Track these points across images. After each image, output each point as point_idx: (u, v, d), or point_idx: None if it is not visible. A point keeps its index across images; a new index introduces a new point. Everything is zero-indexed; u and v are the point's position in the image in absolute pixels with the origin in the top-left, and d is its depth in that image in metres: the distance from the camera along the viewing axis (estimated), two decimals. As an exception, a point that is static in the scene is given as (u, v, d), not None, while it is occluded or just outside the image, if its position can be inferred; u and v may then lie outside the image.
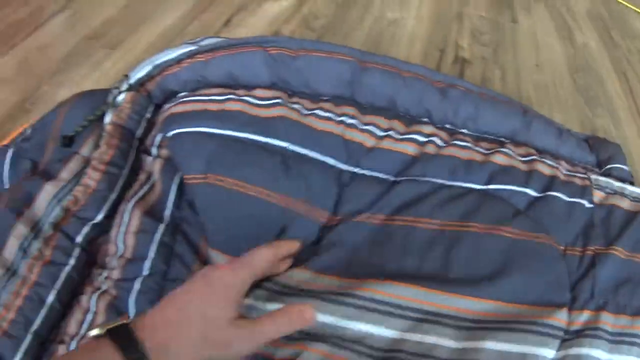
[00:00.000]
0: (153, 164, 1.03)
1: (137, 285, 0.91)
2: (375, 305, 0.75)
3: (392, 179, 0.92)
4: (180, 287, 0.63)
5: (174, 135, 0.98)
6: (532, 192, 0.90)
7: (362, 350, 0.73)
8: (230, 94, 1.01)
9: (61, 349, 0.87)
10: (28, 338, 0.87)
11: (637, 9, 1.98)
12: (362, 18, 1.72)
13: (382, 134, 0.95)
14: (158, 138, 1.06)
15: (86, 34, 1.89)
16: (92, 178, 1.00)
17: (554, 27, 1.83)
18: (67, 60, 1.79)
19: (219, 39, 1.15)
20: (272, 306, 0.78)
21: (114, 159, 1.01)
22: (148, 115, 1.09)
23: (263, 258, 0.70)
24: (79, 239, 0.95)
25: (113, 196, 1.00)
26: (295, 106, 0.97)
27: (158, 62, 1.11)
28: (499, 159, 0.92)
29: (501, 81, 1.52)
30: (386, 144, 0.94)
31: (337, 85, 1.02)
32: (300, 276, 0.81)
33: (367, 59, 1.04)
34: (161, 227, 0.95)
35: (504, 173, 0.91)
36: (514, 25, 1.70)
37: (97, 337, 0.57)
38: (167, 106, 1.08)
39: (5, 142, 1.28)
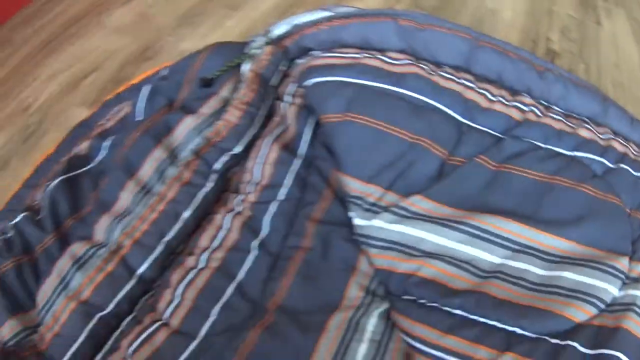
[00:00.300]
0: (287, 110, 1.16)
1: (272, 207, 1.04)
2: (482, 234, 0.90)
3: (500, 135, 1.05)
4: None
5: (313, 83, 1.11)
6: (607, 163, 1.02)
7: (470, 269, 0.88)
8: (365, 53, 1.14)
9: (190, 260, 0.99)
10: (159, 247, 1.00)
11: None
12: (464, 3, 1.84)
13: (493, 98, 1.08)
14: (292, 88, 1.19)
15: None
16: (233, 115, 1.13)
17: (632, 32, 1.91)
18: (188, 16, 1.93)
19: (354, 8, 1.28)
20: (398, 227, 0.93)
21: (253, 101, 1.14)
22: (283, 67, 1.22)
23: None
24: (217, 165, 1.08)
25: (251, 132, 1.13)
26: (423, 66, 1.11)
27: (297, 22, 1.25)
28: (583, 132, 1.05)
29: (585, 74, 1.61)
30: (497, 107, 1.07)
31: (455, 57, 1.14)
32: (423, 204, 0.95)
33: (481, 38, 1.16)
34: (297, 161, 1.09)
35: (587, 144, 1.03)
36: (598, 27, 1.80)
37: None
38: (301, 60, 1.21)
39: (134, 80, 1.44)
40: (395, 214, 0.95)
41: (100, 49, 1.93)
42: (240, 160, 1.12)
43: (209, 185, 1.07)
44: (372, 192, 0.98)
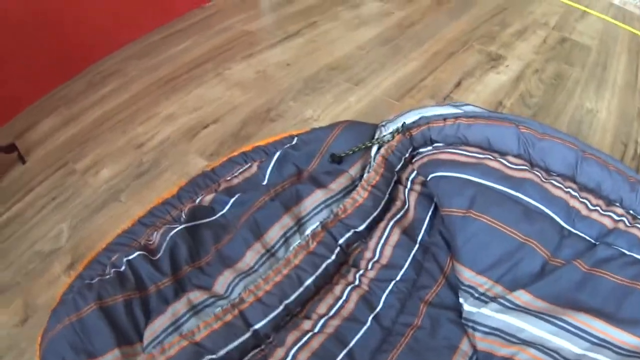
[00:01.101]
0: (409, 195, 1.31)
1: (390, 285, 1.17)
2: (569, 327, 1.02)
3: (593, 241, 1.17)
4: None
5: (438, 176, 1.25)
6: None
7: (556, 357, 0.99)
8: (487, 154, 1.28)
9: (306, 324, 1.11)
10: (279, 308, 1.11)
11: None
12: (566, 103, 1.92)
13: (592, 207, 1.20)
14: (413, 174, 1.34)
15: (327, 62, 2.17)
16: (360, 195, 1.26)
17: None
18: (310, 84, 2.06)
19: (480, 109, 1.42)
20: (502, 317, 1.05)
21: (379, 184, 1.28)
22: (407, 155, 1.36)
23: None
24: (341, 240, 1.21)
25: (375, 213, 1.25)
26: (537, 173, 1.24)
27: (427, 114, 1.40)
28: None
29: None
30: (594, 215, 1.19)
31: (563, 166, 1.27)
32: (524, 297, 1.07)
33: (586, 149, 1.28)
34: (415, 247, 1.23)
35: None
36: None
37: None
38: (425, 151, 1.36)
39: (262, 142, 1.58)
40: (500, 304, 1.07)
41: (221, 100, 2.05)
42: (360, 238, 1.25)
43: (332, 258, 1.19)
44: (482, 283, 1.11)
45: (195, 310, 1.15)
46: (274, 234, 1.27)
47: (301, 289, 1.15)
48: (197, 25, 2.62)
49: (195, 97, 2.07)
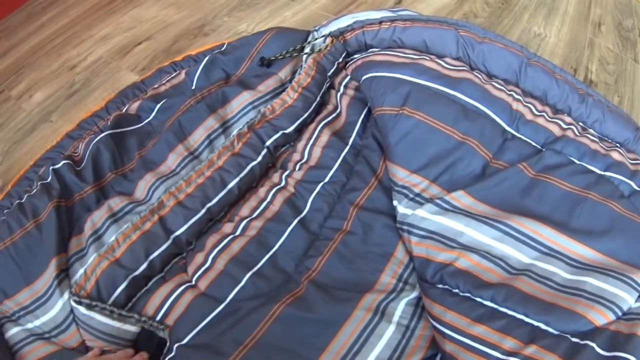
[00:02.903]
0: (341, 99, 1.24)
1: (317, 187, 1.11)
2: (515, 234, 0.96)
3: (539, 147, 1.12)
4: None
5: (371, 77, 1.18)
6: (634, 185, 1.06)
7: (502, 265, 0.92)
8: (424, 55, 1.22)
9: (227, 227, 1.06)
10: (201, 212, 1.05)
11: None
12: (512, 25, 1.87)
13: (537, 112, 1.15)
14: (347, 79, 1.27)
15: None
16: (290, 96, 1.19)
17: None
18: (246, 0, 2.00)
19: (416, 13, 1.36)
20: (439, 218, 0.99)
21: (310, 86, 1.21)
22: (340, 59, 1.29)
23: (119, 355, 0.90)
24: (268, 142, 1.14)
25: (305, 115, 1.19)
26: (477, 75, 1.18)
27: (361, 18, 1.32)
28: (615, 155, 1.09)
29: (619, 106, 1.65)
30: (540, 121, 1.13)
31: (507, 71, 1.22)
32: (464, 199, 1.02)
33: (533, 57, 1.24)
34: (346, 148, 1.17)
35: (617, 166, 1.08)
36: (635, 64, 1.83)
37: None
38: (358, 56, 1.29)
39: (192, 52, 1.50)
40: (438, 206, 1.01)
41: (155, 19, 1.99)
42: (289, 140, 1.19)
43: (257, 159, 1.13)
44: (418, 182, 1.05)
45: (114, 218, 1.08)
46: (197, 136, 1.21)
47: (224, 192, 1.08)
48: None
49: (130, 18, 2.01)
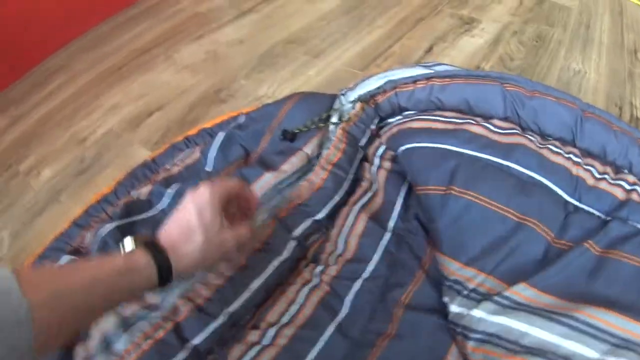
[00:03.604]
0: (377, 174, 1.08)
1: (357, 285, 0.94)
2: (583, 327, 0.80)
3: (604, 217, 0.96)
4: (177, 209, 0.81)
5: (410, 148, 1.03)
6: None
7: None
8: (468, 118, 1.06)
9: (253, 335, 0.89)
10: (221, 318, 0.89)
11: None
12: (550, 65, 1.76)
13: (599, 176, 1.00)
14: (381, 149, 1.11)
15: (284, 37, 1.99)
16: (318, 176, 1.04)
17: None
18: (265, 60, 1.88)
19: (455, 67, 1.19)
20: (500, 319, 0.83)
21: (341, 162, 1.06)
22: (373, 126, 1.14)
23: (231, 184, 0.86)
24: (297, 232, 0.98)
25: (337, 197, 1.03)
26: (531, 137, 1.03)
27: (393, 78, 1.17)
28: None
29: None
30: (602, 185, 0.98)
31: (561, 128, 1.06)
32: (526, 293, 0.85)
33: (587, 109, 1.07)
34: (387, 235, 1.00)
35: None
36: None
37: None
38: (394, 121, 1.13)
39: (206, 124, 1.36)
40: (497, 303, 0.85)
41: (169, 85, 1.88)
42: (321, 228, 1.02)
43: (285, 254, 0.96)
44: (472, 276, 0.89)
45: (126, 325, 0.93)
46: None
47: (247, 294, 0.92)
48: (148, 11, 2.46)
49: (141, 85, 1.90)
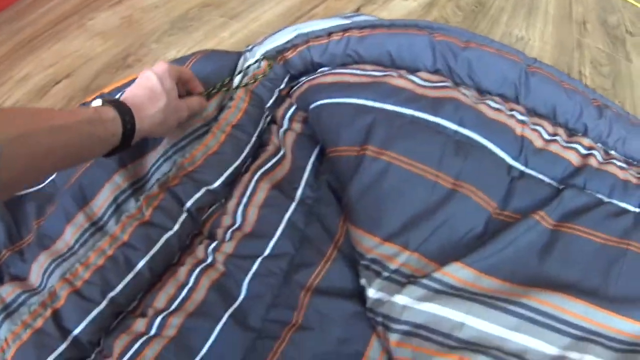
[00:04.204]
0: (284, 137, 0.95)
1: (255, 266, 0.81)
2: (537, 317, 0.70)
3: (556, 184, 0.86)
4: (138, 77, 0.86)
5: (319, 105, 0.91)
6: None
7: None
8: (390, 71, 0.94)
9: (139, 324, 0.76)
10: (102, 304, 0.77)
11: None
12: (490, 31, 1.74)
13: (548, 137, 0.89)
14: (291, 110, 0.99)
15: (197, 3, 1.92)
16: (215, 139, 0.91)
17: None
18: (178, 22, 1.80)
19: (376, 18, 1.07)
20: (429, 306, 0.71)
21: (243, 123, 0.93)
22: (282, 85, 1.02)
23: (182, 68, 0.95)
24: (188, 203, 0.85)
25: (236, 163, 0.90)
26: (465, 92, 0.91)
27: (305, 31, 1.05)
28: None
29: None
30: (553, 148, 0.88)
31: (502, 84, 0.96)
32: (463, 274, 0.74)
33: (532, 63, 0.98)
34: (292, 206, 0.87)
35: None
36: (629, 64, 1.74)
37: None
38: (305, 79, 1.00)
39: (105, 90, 1.23)
40: (425, 287, 0.73)
41: (78, 53, 1.78)
42: (217, 198, 0.89)
43: (175, 228, 0.83)
44: (394, 254, 0.77)
45: (7, 311, 0.82)
46: (101, 200, 0.91)
47: (130, 276, 0.79)
48: None
49: (52, 54, 1.80)
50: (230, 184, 0.89)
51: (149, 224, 0.82)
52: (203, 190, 0.86)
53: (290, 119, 0.98)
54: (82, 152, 0.73)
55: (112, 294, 0.77)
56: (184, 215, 0.84)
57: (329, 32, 1.02)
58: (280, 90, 1.01)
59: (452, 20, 1.73)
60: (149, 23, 1.85)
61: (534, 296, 0.71)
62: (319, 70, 1.01)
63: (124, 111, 0.77)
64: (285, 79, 1.03)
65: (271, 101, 0.99)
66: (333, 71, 0.96)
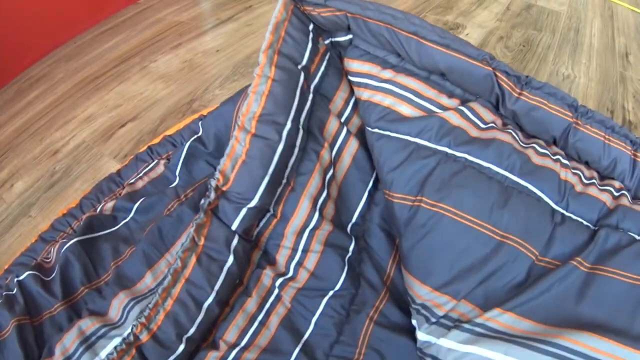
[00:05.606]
0: (344, 141, 0.98)
1: (322, 304, 0.85)
2: (569, 355, 0.70)
3: (592, 226, 0.85)
4: None
5: (374, 133, 0.93)
6: None
7: None
8: (443, 97, 0.96)
9: (211, 357, 0.79)
10: (180, 347, 0.78)
11: None
12: (538, 69, 1.73)
13: (587, 181, 0.89)
14: (349, 110, 1.02)
15: (261, 45, 1.93)
16: (241, 143, 0.87)
17: None
18: (240, 68, 1.83)
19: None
20: (471, 349, 0.73)
21: (268, 112, 0.90)
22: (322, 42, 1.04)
23: None
24: (234, 226, 0.84)
25: (270, 170, 0.88)
26: (513, 134, 0.91)
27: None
28: None
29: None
30: (591, 191, 0.87)
31: (547, 135, 0.95)
32: (502, 319, 0.75)
33: (579, 119, 0.94)
34: (351, 247, 0.90)
35: None
36: None
37: None
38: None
39: (168, 132, 1.34)
40: (468, 331, 0.75)
41: (142, 96, 1.82)
42: (263, 210, 0.88)
43: (231, 259, 0.83)
44: (443, 303, 0.80)
45: (87, 343, 0.85)
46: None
47: (201, 315, 0.80)
48: (129, 21, 2.40)
49: (116, 95, 1.84)
50: (271, 190, 0.88)
51: (206, 255, 0.82)
52: (245, 209, 0.84)
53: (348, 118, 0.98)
54: None
55: (187, 335, 0.79)
56: (235, 241, 0.83)
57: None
58: (312, 39, 0.97)
59: (502, 60, 1.70)
60: (210, 67, 1.88)
61: (565, 335, 0.71)
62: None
63: None
64: (311, 26, 1.00)
65: (305, 59, 0.94)
66: (385, 84, 0.96)
